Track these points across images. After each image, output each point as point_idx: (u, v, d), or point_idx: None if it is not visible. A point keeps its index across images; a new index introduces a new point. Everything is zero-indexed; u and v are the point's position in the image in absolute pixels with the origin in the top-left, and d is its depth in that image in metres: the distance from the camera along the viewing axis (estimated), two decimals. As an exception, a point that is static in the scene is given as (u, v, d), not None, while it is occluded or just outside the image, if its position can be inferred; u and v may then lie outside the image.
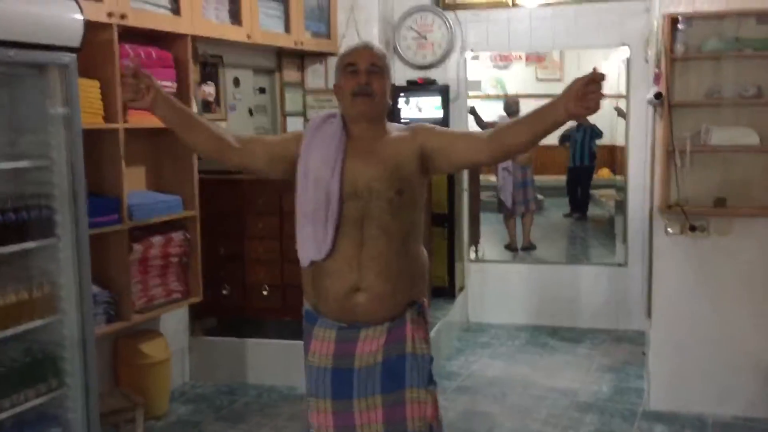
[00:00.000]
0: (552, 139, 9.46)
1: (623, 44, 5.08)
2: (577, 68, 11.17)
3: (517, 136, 2.00)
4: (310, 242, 2.10)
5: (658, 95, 3.53)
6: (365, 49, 2.17)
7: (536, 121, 1.96)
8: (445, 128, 2.26)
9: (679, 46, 3.54)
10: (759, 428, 3.58)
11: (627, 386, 4.19)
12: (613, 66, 7.04)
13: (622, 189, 6.11)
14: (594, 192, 9.82)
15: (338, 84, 2.18)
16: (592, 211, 9.69)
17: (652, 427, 3.63)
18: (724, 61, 3.52)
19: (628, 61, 5.19)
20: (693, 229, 3.66)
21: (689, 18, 3.53)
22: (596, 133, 9.16)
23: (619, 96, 6.99)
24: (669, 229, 3.71)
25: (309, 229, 2.10)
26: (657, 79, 3.59)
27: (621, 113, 6.28)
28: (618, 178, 6.67)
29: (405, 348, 2.10)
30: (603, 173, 11.12)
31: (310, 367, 2.17)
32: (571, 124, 9.06)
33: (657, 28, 3.62)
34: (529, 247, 7.19)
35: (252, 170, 2.28)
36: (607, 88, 6.17)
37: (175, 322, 4.22)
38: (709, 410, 3.74)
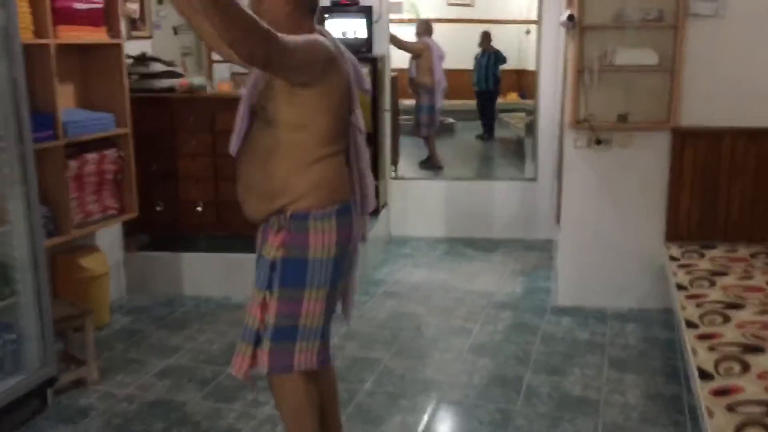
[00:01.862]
0: (464, 64, 9.77)
1: (537, -31, 5.32)
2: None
3: None
4: None
5: (571, 17, 3.81)
6: None
7: None
8: None
9: (589, -29, 3.81)
10: (650, 317, 4.06)
11: (537, 287, 4.62)
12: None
13: (531, 112, 6.50)
14: (503, 115, 10.23)
15: None
16: (502, 133, 10.11)
17: (560, 320, 4.06)
18: (630, -14, 3.83)
19: (541, -14, 5.45)
20: (598, 142, 4.03)
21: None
22: (500, 58, 9.49)
23: (529, 21, 7.31)
24: (578, 143, 4.07)
25: None
26: (570, 1, 3.86)
27: None
28: (529, 102, 7.05)
29: (263, 248, 2.32)
30: (511, 97, 11.56)
31: None
32: (476, 50, 9.41)
33: (570, -46, 3.87)
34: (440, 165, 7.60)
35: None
36: (517, 14, 6.46)
37: (108, 238, 4.31)
38: (608, 304, 4.21)
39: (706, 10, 3.77)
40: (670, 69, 3.86)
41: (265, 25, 1.91)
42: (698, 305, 3.14)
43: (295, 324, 2.27)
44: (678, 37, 3.79)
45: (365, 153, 2.46)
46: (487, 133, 9.96)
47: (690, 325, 2.94)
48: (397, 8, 6.49)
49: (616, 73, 3.93)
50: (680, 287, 3.38)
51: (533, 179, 5.74)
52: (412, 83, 7.79)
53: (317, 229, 2.24)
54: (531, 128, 6.64)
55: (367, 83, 2.43)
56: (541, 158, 5.63)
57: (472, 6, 11.48)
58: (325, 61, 2.16)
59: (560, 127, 5.23)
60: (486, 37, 9.40)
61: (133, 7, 4.35)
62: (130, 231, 4.42)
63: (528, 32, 6.98)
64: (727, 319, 2.95)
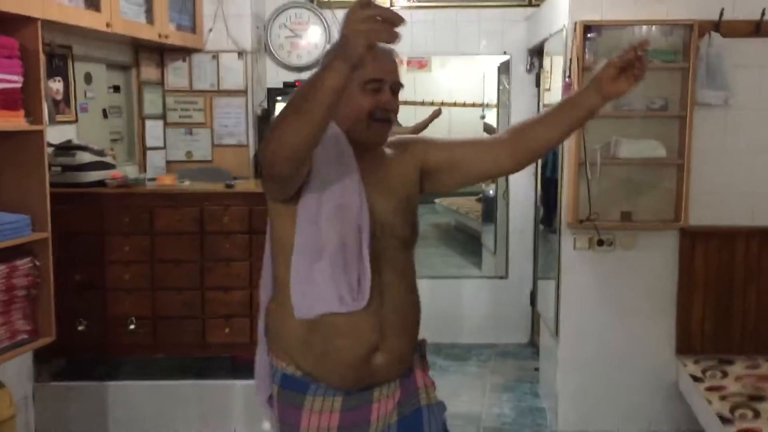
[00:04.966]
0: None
1: (504, 53, 4.98)
2: (412, 82, 11.15)
3: (544, 133, 1.70)
4: (330, 287, 1.63)
5: (570, 105, 3.39)
6: (393, 61, 1.73)
7: (566, 113, 1.68)
8: (443, 138, 1.87)
9: (588, 56, 3.44)
10: (665, 443, 3.56)
11: (527, 406, 4.05)
12: (470, 77, 7.05)
13: (489, 200, 6.07)
14: (441, 200, 9.79)
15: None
16: (439, 219, 9.64)
17: (567, 451, 3.49)
18: (632, 73, 3.46)
19: (504, 70, 5.12)
20: (601, 243, 3.58)
21: (600, 27, 3.43)
22: None
23: (480, 105, 7.00)
24: (577, 244, 3.60)
25: (327, 270, 1.62)
26: (567, 88, 3.46)
27: (489, 129, 6.24)
28: (483, 186, 6.63)
29: (419, 399, 1.76)
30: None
31: None
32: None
33: (566, 36, 3.50)
34: None
35: (297, 184, 1.63)
36: (471, 97, 5.99)
37: (15, 366, 3.47)
38: (615, 427, 3.68)
39: (714, 100, 3.43)
40: (677, 163, 3.47)
41: None
42: (757, 446, 2.65)
43: None
44: (686, 129, 3.42)
45: None
46: None
47: (766, 478, 2.42)
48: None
49: (618, 167, 3.53)
50: (725, 420, 2.88)
51: (503, 277, 5.24)
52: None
53: None
54: (489, 217, 6.19)
55: None
56: (512, 253, 5.15)
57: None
58: None
59: (538, 224, 4.81)
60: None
61: (56, 87, 3.67)
62: (42, 356, 3.59)
63: (483, 117, 6.64)
64: (804, 468, 2.46)
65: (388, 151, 1.79)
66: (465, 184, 1.83)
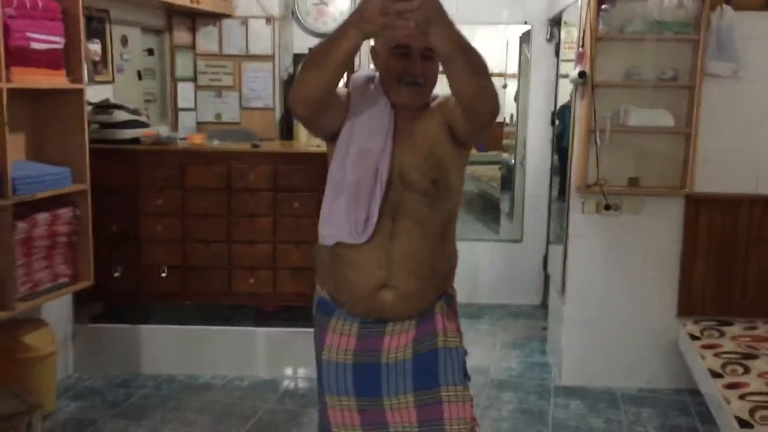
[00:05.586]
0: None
1: (525, 22, 5.09)
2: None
3: (453, 89, 1.73)
4: (343, 220, 1.83)
5: (582, 74, 3.54)
6: None
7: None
8: None
9: (602, 27, 3.56)
10: (664, 400, 3.73)
11: (533, 362, 4.25)
12: (494, 46, 7.07)
13: (510, 168, 6.20)
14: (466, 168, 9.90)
15: (379, 53, 1.88)
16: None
17: (567, 403, 3.69)
18: (644, 43, 3.58)
19: (527, 40, 5.22)
20: (608, 208, 3.73)
21: (614, -2, 3.55)
22: None
23: (503, 75, 7.07)
24: (585, 208, 3.76)
25: (343, 205, 1.84)
26: (580, 58, 3.59)
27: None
28: (504, 155, 6.77)
29: (436, 342, 1.92)
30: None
31: (326, 363, 1.95)
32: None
33: (582, 7, 3.61)
34: None
35: (327, 126, 1.89)
36: (494, 67, 6.02)
37: (56, 308, 3.76)
38: (616, 384, 3.86)
39: (724, 71, 3.54)
40: (685, 131, 3.60)
41: None
42: (741, 397, 2.82)
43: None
44: (694, 99, 3.54)
45: None
46: None
47: (744, 424, 2.60)
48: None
49: (628, 135, 3.66)
50: (714, 374, 3.06)
51: (518, 240, 5.42)
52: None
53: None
54: (507, 184, 6.33)
55: None
56: (526, 218, 5.32)
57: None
58: None
59: (565, 189, 4.95)
60: None
61: (95, 49, 3.89)
62: (81, 299, 3.87)
63: (505, 86, 6.75)
64: (782, 417, 2.63)
65: (427, 108, 1.91)
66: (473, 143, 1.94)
